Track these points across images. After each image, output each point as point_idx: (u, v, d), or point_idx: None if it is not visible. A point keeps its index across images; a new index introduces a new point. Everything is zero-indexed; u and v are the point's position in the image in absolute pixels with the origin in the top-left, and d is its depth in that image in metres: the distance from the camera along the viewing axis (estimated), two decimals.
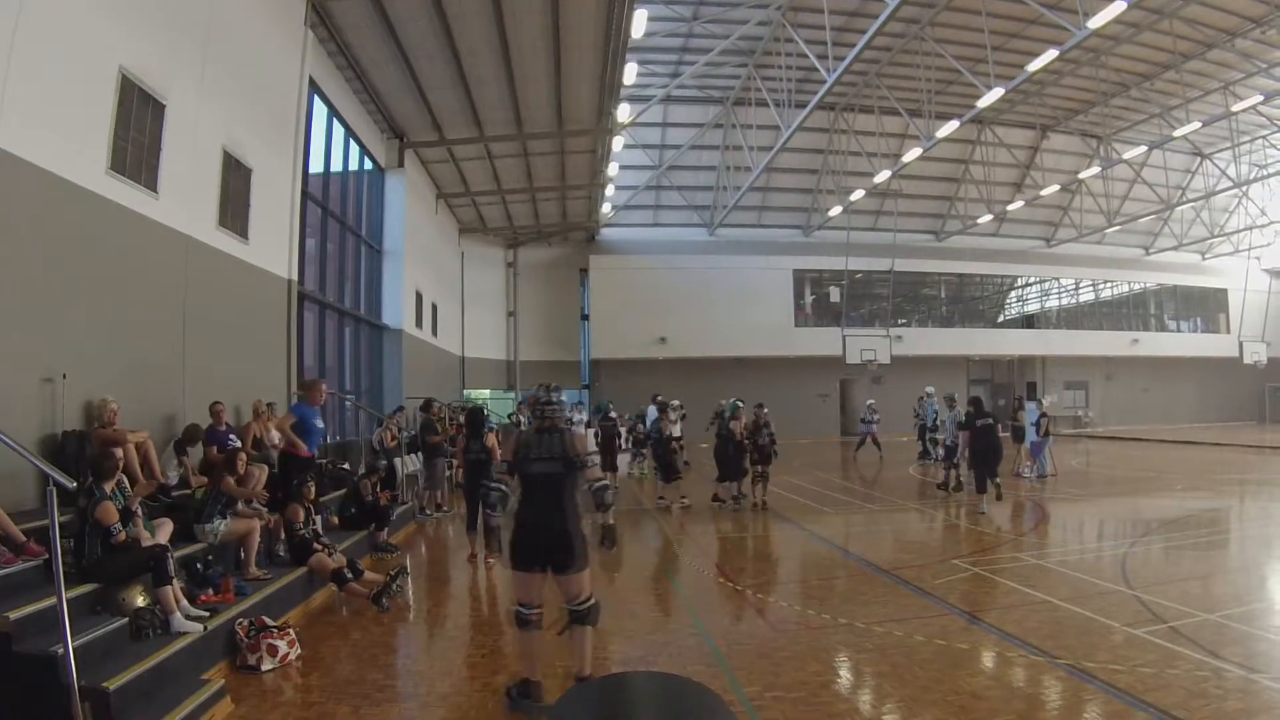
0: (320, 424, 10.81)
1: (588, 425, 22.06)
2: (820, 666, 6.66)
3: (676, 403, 19.56)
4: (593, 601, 5.98)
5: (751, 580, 10.35)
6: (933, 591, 9.00)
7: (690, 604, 9.02)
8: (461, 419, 19.31)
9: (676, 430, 17.47)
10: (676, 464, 16.95)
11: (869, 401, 26.44)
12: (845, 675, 6.62)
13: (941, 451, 19.80)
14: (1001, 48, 25.20)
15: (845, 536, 13.48)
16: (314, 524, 9.27)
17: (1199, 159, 38.72)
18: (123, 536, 6.45)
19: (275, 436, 10.72)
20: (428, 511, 15.74)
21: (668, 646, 7.33)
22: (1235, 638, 7.03)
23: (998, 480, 14.88)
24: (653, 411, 20.39)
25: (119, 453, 7.12)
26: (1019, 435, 20.40)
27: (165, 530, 7.22)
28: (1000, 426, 15.71)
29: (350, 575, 8.91)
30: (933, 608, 8.37)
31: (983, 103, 23.91)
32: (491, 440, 12.04)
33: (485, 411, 14.04)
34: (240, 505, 8.64)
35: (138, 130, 9.19)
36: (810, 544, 12.87)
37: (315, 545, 8.94)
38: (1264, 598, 8.92)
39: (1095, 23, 18.74)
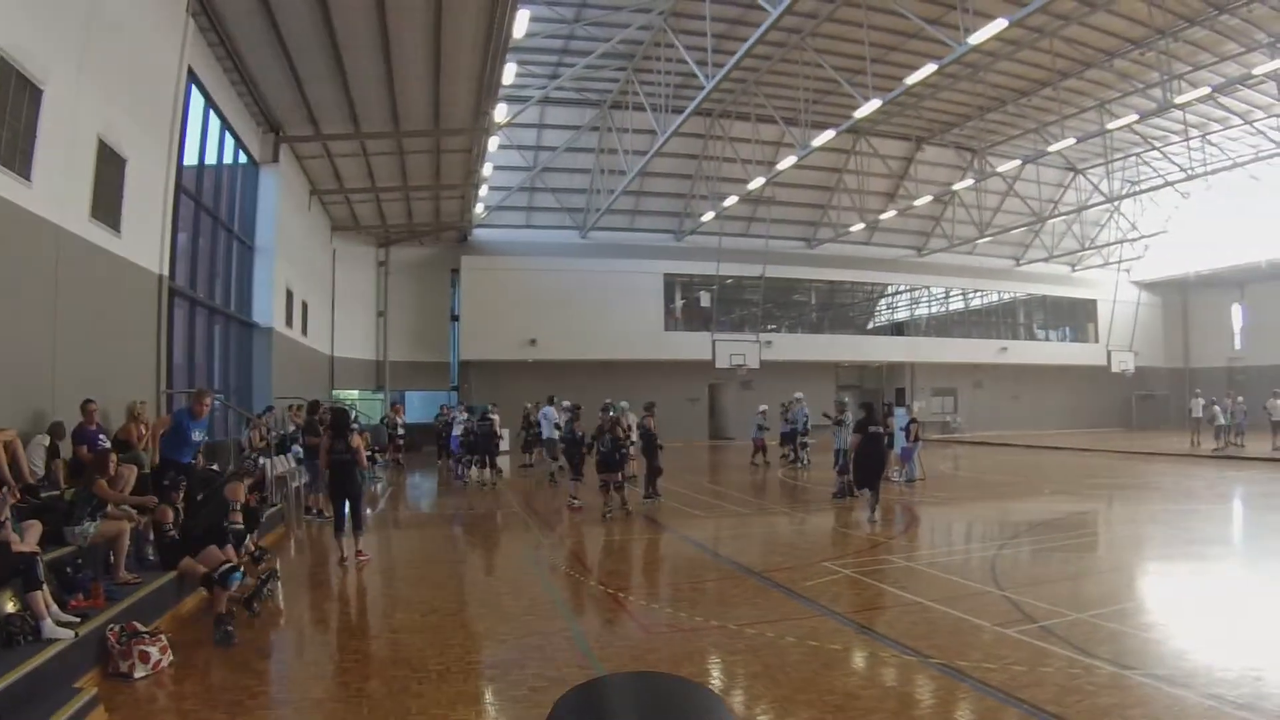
0: (198, 436, 10.70)
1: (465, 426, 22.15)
2: (693, 668, 6.76)
3: (567, 403, 19.74)
4: None
5: (623, 583, 10.55)
6: (804, 594, 9.16)
7: (563, 606, 9.15)
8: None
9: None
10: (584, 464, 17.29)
11: (761, 408, 26.81)
12: (718, 676, 6.71)
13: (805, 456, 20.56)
14: (881, 60, 25.86)
15: (715, 539, 13.75)
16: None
17: (1072, 174, 40.66)
18: None
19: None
20: (313, 512, 15.47)
21: (541, 649, 7.41)
22: (1105, 636, 7.31)
23: (878, 488, 15.02)
24: (550, 413, 20.47)
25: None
26: (889, 441, 21.16)
27: (34, 532, 6.97)
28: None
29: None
30: (804, 609, 8.52)
31: (860, 113, 24.33)
32: (357, 441, 11.92)
33: (352, 412, 14.02)
34: (110, 507, 8.41)
35: (13, 114, 8.87)
36: (681, 547, 13.12)
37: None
38: (1132, 597, 9.46)
39: (976, 39, 19.39)
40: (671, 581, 10.86)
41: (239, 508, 8.92)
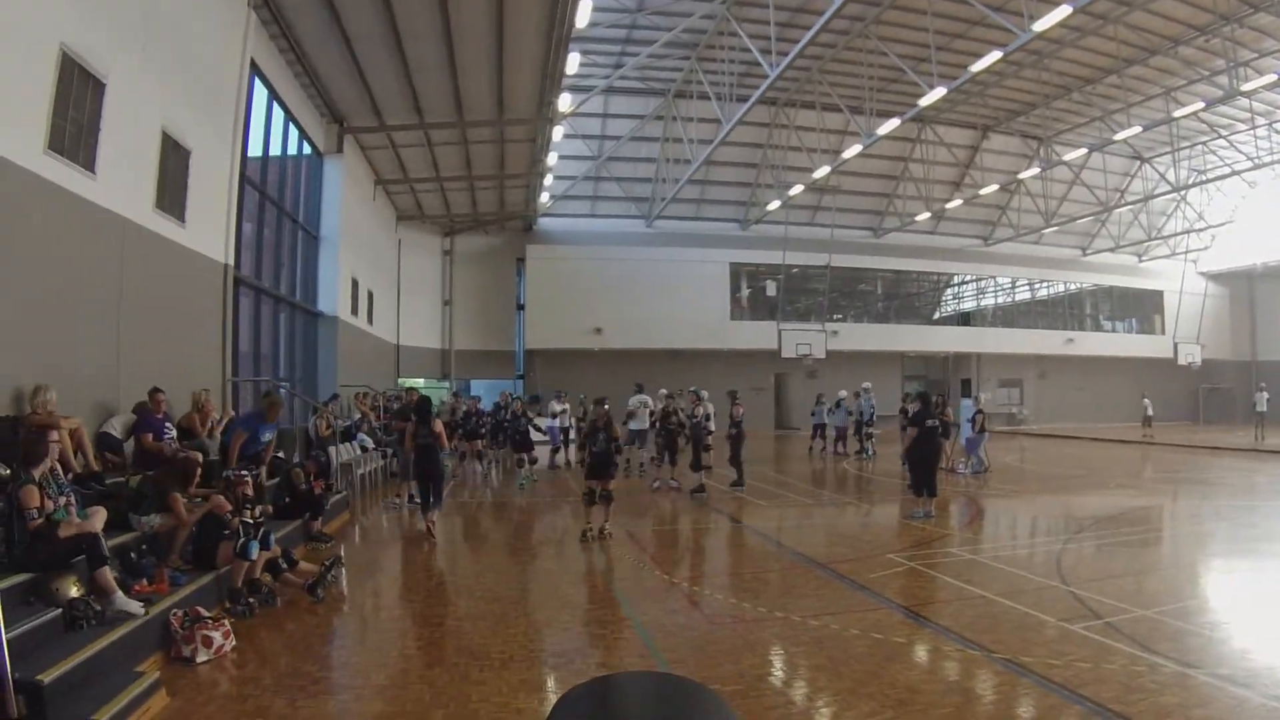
0: (267, 437, 11.27)
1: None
2: (756, 659, 6.70)
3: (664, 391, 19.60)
4: None
5: (686, 572, 10.49)
6: (868, 585, 9.05)
7: (626, 595, 9.06)
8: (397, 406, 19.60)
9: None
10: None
11: (837, 397, 26.50)
12: (781, 668, 6.65)
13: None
14: (945, 48, 25.43)
15: (779, 529, 13.59)
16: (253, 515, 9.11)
17: (1138, 163, 39.51)
18: (39, 522, 6.34)
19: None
20: (398, 500, 15.54)
21: (603, 638, 7.40)
22: (1169, 633, 7.17)
23: (934, 483, 14.59)
24: (637, 401, 20.18)
25: (54, 436, 7.01)
26: (946, 431, 20.73)
27: (99, 518, 7.07)
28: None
29: (285, 565, 8.85)
30: (868, 601, 8.42)
31: (924, 102, 23.93)
32: (439, 426, 12.89)
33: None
34: (184, 500, 8.52)
35: (77, 109, 8.96)
36: (745, 536, 13.00)
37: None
38: (1196, 594, 9.19)
39: (1040, 26, 18.96)
40: (735, 571, 10.74)
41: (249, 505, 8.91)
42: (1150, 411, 37.16)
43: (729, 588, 9.51)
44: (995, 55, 21.48)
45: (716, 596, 8.91)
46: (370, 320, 26.68)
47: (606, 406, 13.19)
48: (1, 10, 7.68)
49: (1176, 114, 28.84)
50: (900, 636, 7.22)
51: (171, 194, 11.65)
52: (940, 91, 23.16)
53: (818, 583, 9.44)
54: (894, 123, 26.01)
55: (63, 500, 6.83)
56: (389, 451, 18.64)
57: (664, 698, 2.00)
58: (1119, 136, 29.73)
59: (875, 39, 25.86)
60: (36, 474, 6.50)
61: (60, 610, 6.06)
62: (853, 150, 28.48)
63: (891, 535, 12.75)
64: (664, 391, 19.08)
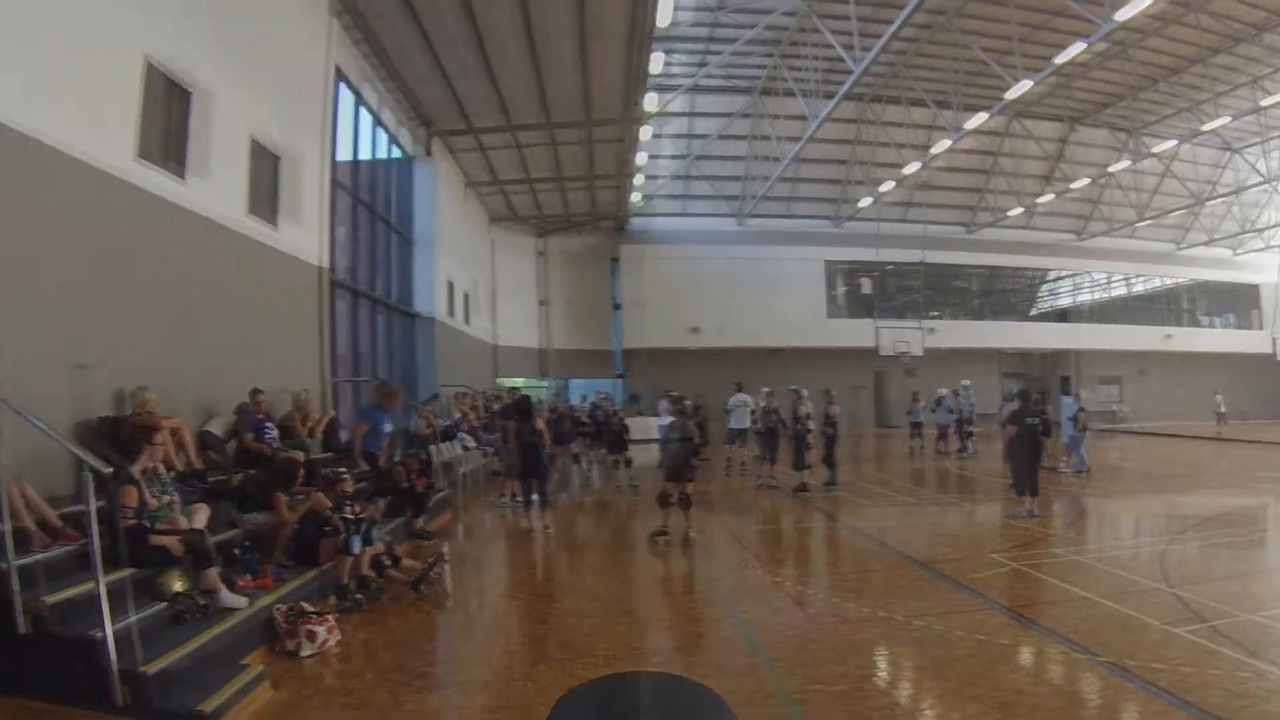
0: (389, 428, 11.73)
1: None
2: (860, 660, 6.58)
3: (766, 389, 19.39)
4: None
5: (789, 571, 10.29)
6: (971, 586, 8.86)
7: (729, 594, 8.91)
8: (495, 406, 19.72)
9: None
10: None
11: (930, 395, 26.06)
12: (885, 669, 6.54)
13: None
14: (1028, 39, 24.77)
15: (882, 529, 13.25)
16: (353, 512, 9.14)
17: (1229, 153, 38.00)
18: (132, 522, 6.38)
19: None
20: (505, 498, 15.46)
21: (706, 637, 7.30)
22: (1277, 638, 6.89)
23: (1036, 482, 13.96)
24: (736, 400, 19.93)
25: (158, 439, 7.12)
26: (1047, 430, 19.80)
27: (202, 515, 7.18)
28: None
29: (389, 561, 8.85)
30: (971, 602, 8.24)
31: (1010, 94, 23.58)
32: (540, 424, 13.00)
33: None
34: (286, 499, 8.59)
35: (164, 117, 9.16)
36: (847, 536, 12.77)
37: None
38: None
39: (1122, 15, 18.52)
40: (837, 570, 10.54)
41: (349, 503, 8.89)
42: (1223, 409, 37.12)
43: (832, 587, 9.30)
44: (1079, 46, 21.01)
45: (819, 596, 8.74)
46: (467, 321, 26.98)
47: (689, 402, 12.96)
48: (86, 24, 7.82)
49: (1264, 103, 27.53)
50: (1004, 638, 7.04)
51: (263, 199, 11.85)
52: (1025, 84, 22.81)
53: (921, 583, 9.23)
54: (981, 117, 25.64)
55: (166, 499, 6.92)
56: (489, 450, 18.70)
57: (663, 698, 1.98)
58: (1207, 127, 28.66)
59: (958, 32, 25.47)
60: (135, 472, 6.55)
61: (165, 604, 6.12)
62: (941, 145, 28.13)
63: (994, 535, 12.38)
64: (766, 389, 18.77)
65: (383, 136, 20.01)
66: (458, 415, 19.61)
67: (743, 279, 35.78)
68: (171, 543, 6.52)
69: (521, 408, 13.13)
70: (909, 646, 6.84)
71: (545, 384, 33.73)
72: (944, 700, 5.71)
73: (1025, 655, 6.71)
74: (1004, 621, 7.51)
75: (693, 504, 11.81)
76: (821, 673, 6.17)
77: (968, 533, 12.96)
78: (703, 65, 28.73)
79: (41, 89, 7.19)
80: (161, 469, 7.34)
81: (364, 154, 18.80)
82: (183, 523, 6.82)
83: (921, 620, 7.46)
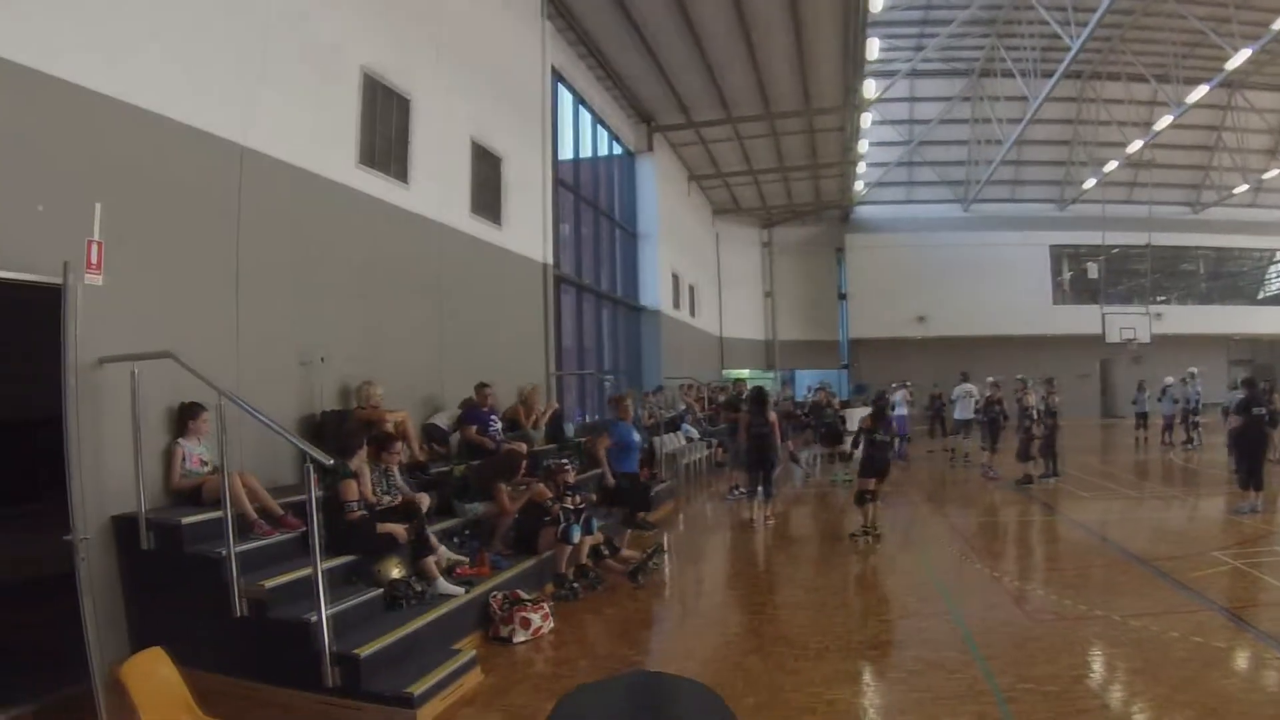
0: (637, 437, 11.94)
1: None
2: (1074, 659, 6.24)
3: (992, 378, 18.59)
4: None
5: (1007, 565, 9.90)
6: (1190, 585, 8.26)
7: (945, 588, 8.61)
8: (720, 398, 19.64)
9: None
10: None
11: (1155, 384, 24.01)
12: (1098, 670, 6.18)
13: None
14: (1245, 5, 22.75)
15: (1103, 523, 12.54)
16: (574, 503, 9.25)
17: None
18: (355, 514, 6.62)
19: None
20: (733, 490, 15.35)
21: (922, 632, 7.01)
22: None
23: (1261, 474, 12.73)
24: (961, 391, 19.25)
25: (397, 446, 7.64)
26: (1275, 421, 17.55)
27: (423, 503, 7.44)
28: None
29: (607, 551, 8.91)
30: (1190, 603, 7.70)
31: (1230, 65, 22.17)
32: (773, 416, 12.86)
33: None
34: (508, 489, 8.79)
35: (384, 124, 9.58)
36: (1068, 530, 12.07)
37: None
38: None
39: None
40: (1057, 566, 9.89)
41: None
42: None
43: (1050, 583, 8.77)
44: None
45: (1037, 592, 8.34)
46: (693, 313, 27.14)
47: (898, 389, 12.41)
48: (302, 38, 8.27)
49: None
50: (1221, 641, 6.52)
51: (486, 199, 12.27)
52: (1245, 53, 21.60)
53: (1139, 580, 8.71)
54: (1202, 89, 23.84)
55: (388, 500, 7.24)
56: (714, 442, 18.63)
57: (663, 698, 1.98)
58: None
59: (1173, 2, 24.15)
60: (352, 465, 6.83)
61: (381, 590, 6.34)
62: (1163, 121, 26.38)
63: (1216, 531, 11.38)
64: (991, 379, 17.87)
65: (603, 134, 20.40)
66: (682, 407, 19.68)
67: (967, 266, 34.73)
68: (397, 530, 6.77)
69: (757, 399, 13.00)
70: (1124, 647, 6.46)
71: (770, 375, 33.62)
72: (1154, 705, 5.35)
73: (1240, 660, 6.20)
74: (1221, 623, 7.03)
75: (877, 499, 11.17)
76: (1035, 672, 5.89)
77: (1189, 528, 12.14)
78: (919, 49, 28.15)
79: (268, 109, 7.68)
80: (395, 470, 7.71)
81: (585, 151, 19.25)
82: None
83: (1138, 620, 7.03)
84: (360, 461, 6.95)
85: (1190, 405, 22.09)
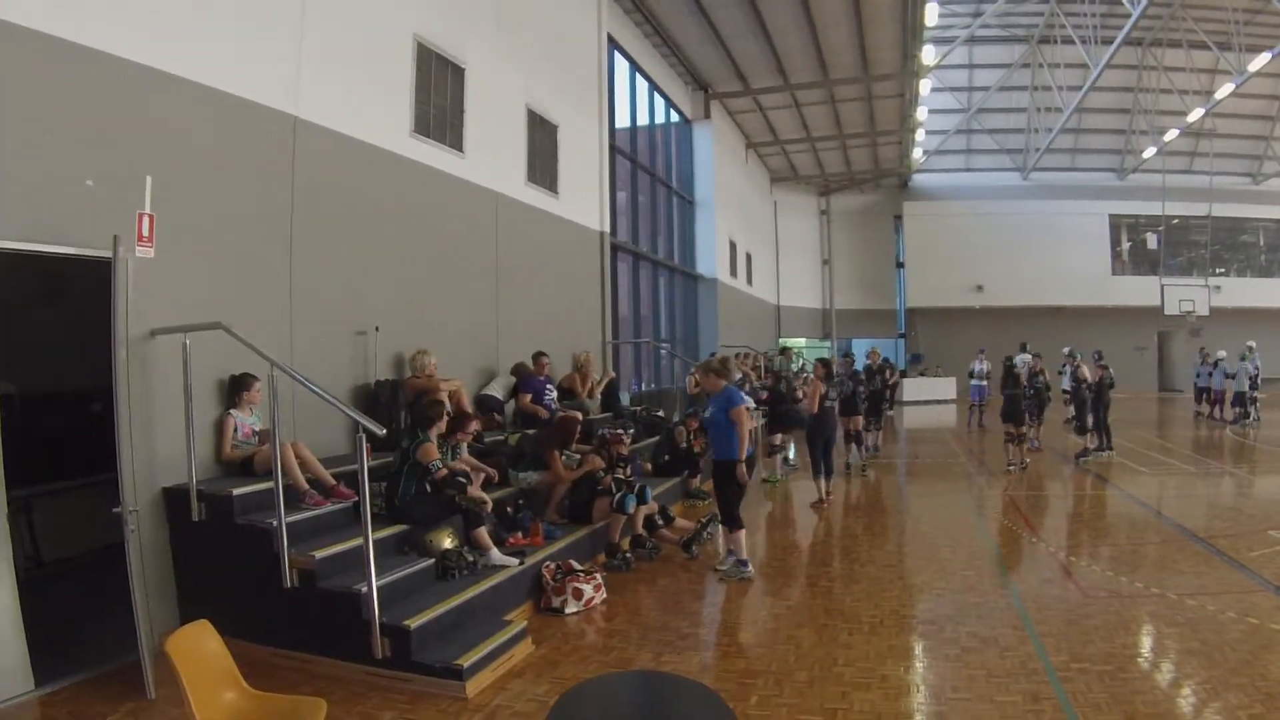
0: (709, 412, 11.51)
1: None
2: (1128, 639, 6.19)
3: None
4: None
5: (1063, 540, 9.79)
6: (1247, 564, 8.13)
7: (1001, 563, 8.52)
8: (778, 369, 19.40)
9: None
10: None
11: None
12: (1151, 650, 6.09)
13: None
14: None
15: (1159, 499, 12.37)
16: (625, 473, 9.23)
17: None
18: (443, 472, 6.74)
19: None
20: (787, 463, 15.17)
21: (977, 607, 6.91)
22: None
23: None
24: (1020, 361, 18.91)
25: (472, 425, 7.76)
26: None
27: (478, 475, 7.45)
28: None
29: (661, 521, 8.86)
30: (1246, 582, 7.58)
31: None
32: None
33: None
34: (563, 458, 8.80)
35: (439, 94, 9.55)
36: (1124, 505, 11.86)
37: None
38: None
39: None
40: (1112, 542, 9.71)
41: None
42: None
43: (1106, 559, 8.68)
44: None
45: (1094, 568, 8.22)
46: (750, 281, 26.95)
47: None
48: (356, 9, 8.26)
49: None
50: (1277, 623, 6.37)
51: (542, 167, 12.22)
52: None
53: (1195, 558, 8.55)
54: (1264, 58, 22.66)
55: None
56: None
57: (662, 697, 2.01)
58: None
59: None
60: (433, 434, 6.92)
61: (433, 561, 6.36)
62: (1225, 90, 25.35)
63: (1274, 509, 11.09)
64: (1034, 353, 17.52)
65: (660, 102, 20.21)
66: (738, 376, 19.49)
67: (1026, 235, 34.16)
68: (483, 496, 6.96)
69: (830, 370, 12.64)
70: (1178, 627, 6.36)
71: (827, 344, 33.35)
72: (1207, 687, 5.23)
73: None
74: (1278, 604, 6.86)
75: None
76: (1089, 650, 5.84)
77: (1246, 505, 11.89)
78: (978, 15, 27.32)
79: (319, 80, 7.67)
80: (464, 447, 7.77)
81: (642, 119, 19.11)
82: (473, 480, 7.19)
83: (1194, 599, 6.97)
84: (436, 433, 7.00)
85: (1250, 380, 21.53)
